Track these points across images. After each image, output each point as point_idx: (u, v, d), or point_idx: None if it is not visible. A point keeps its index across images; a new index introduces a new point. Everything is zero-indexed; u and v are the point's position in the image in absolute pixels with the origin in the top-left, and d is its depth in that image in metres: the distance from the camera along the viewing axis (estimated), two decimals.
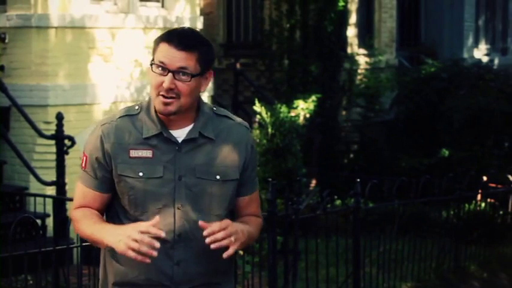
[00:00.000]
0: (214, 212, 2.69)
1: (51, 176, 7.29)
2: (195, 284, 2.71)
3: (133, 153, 2.66)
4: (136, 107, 2.72)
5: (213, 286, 2.76)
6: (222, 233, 2.55)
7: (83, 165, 2.72)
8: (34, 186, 7.48)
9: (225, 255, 2.58)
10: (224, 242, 2.56)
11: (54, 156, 7.26)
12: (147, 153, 2.65)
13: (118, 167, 2.65)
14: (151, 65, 2.63)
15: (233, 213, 2.81)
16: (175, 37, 2.61)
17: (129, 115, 2.70)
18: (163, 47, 2.60)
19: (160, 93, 2.60)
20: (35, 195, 6.92)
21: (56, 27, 7.86)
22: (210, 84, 9.59)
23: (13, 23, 7.89)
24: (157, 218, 2.55)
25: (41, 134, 7.39)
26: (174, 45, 2.59)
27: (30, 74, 7.89)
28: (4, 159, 7.75)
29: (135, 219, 2.66)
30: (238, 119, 2.79)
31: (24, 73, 7.91)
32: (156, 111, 2.67)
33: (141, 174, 2.64)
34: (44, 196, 6.83)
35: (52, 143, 7.29)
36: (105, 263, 2.77)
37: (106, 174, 2.68)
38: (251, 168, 2.77)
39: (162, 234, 2.52)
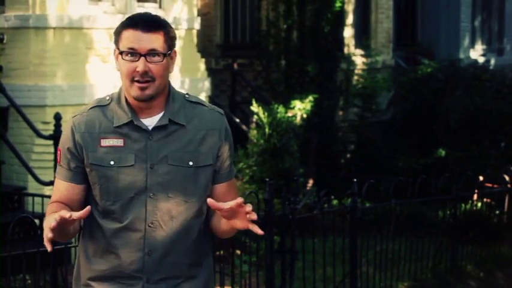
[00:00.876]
0: (188, 199, 2.67)
1: (49, 175, 7.32)
2: (168, 276, 2.68)
3: (104, 142, 2.65)
4: (107, 98, 2.72)
5: (188, 279, 2.71)
6: (250, 206, 2.50)
7: (58, 159, 2.71)
8: (32, 186, 7.51)
9: (257, 231, 2.51)
10: (255, 216, 2.52)
11: (52, 156, 7.26)
12: (118, 141, 2.65)
13: (89, 156, 2.65)
14: (120, 53, 2.62)
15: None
16: (139, 21, 2.62)
17: (100, 106, 2.70)
18: (128, 33, 2.61)
19: (135, 78, 2.60)
20: (33, 195, 6.95)
21: (54, 28, 7.90)
22: (208, 84, 9.67)
23: (11, 23, 7.93)
24: (88, 208, 2.51)
25: (39, 134, 7.41)
26: (140, 29, 2.60)
27: (29, 74, 7.92)
28: (2, 159, 7.76)
29: (104, 210, 2.65)
30: (212, 106, 2.77)
31: (23, 73, 7.95)
32: (127, 101, 2.66)
33: (112, 162, 2.63)
34: (42, 196, 6.81)
35: (50, 143, 7.31)
36: (79, 261, 2.76)
37: (79, 164, 2.67)
38: (227, 154, 2.74)
39: (66, 215, 2.46)
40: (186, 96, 2.74)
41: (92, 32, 8.22)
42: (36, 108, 7.84)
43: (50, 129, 7.41)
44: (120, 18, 8.41)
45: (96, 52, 8.26)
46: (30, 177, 7.39)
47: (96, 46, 8.26)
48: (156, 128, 2.65)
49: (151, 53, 2.60)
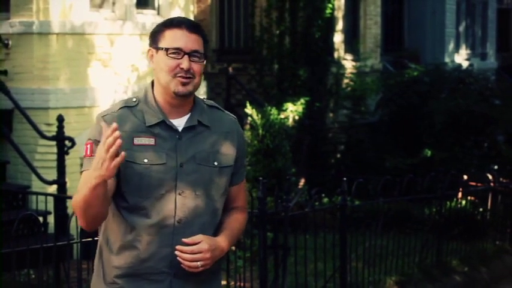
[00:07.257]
0: (212, 197, 2.74)
1: (52, 175, 7.43)
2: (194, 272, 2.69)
3: (137, 140, 2.69)
4: (134, 99, 2.76)
5: (211, 274, 2.77)
6: (190, 256, 2.64)
7: (88, 153, 2.68)
8: (36, 185, 7.60)
9: (190, 269, 2.67)
10: (188, 264, 2.65)
11: (55, 157, 7.39)
12: (150, 140, 2.69)
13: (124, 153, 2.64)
14: (165, 50, 2.68)
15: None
16: (184, 23, 2.71)
17: (128, 106, 2.74)
18: (173, 32, 2.68)
19: (178, 75, 2.67)
20: (37, 193, 6.97)
21: (57, 34, 7.98)
22: (204, 87, 9.86)
23: (16, 29, 8.02)
24: (114, 124, 2.53)
25: (43, 135, 7.52)
26: (186, 29, 2.69)
27: (32, 78, 8.00)
28: (7, 159, 7.87)
29: (134, 206, 2.67)
30: (226, 111, 2.86)
31: (27, 77, 8.02)
32: (155, 101, 2.73)
33: (145, 160, 2.67)
34: (46, 194, 6.89)
35: (53, 143, 7.42)
36: (102, 259, 2.76)
37: None
38: (242, 157, 2.83)
39: (114, 124, 2.51)
40: (204, 100, 2.85)
41: (93, 37, 8.30)
42: (39, 110, 7.92)
43: (52, 130, 7.51)
44: (120, 25, 8.71)
45: (97, 57, 8.35)
46: (34, 177, 7.47)
47: (97, 51, 8.34)
48: (186, 129, 2.74)
49: (194, 53, 2.70)
